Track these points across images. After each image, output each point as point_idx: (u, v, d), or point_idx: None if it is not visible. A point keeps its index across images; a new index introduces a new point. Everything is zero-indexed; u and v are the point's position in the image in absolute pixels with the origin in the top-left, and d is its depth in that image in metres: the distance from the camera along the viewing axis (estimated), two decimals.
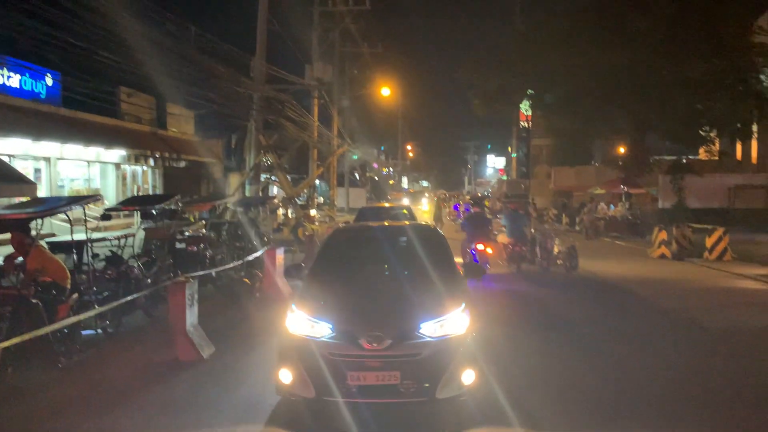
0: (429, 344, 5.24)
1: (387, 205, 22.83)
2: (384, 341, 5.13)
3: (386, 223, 8.97)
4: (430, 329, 5.32)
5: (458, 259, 12.73)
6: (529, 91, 33.06)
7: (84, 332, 7.83)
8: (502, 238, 15.60)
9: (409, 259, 6.76)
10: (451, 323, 5.41)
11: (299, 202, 26.59)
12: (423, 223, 10.57)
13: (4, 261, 7.68)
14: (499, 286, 13.18)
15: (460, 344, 5.32)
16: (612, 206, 28.39)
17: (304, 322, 5.42)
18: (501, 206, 32.77)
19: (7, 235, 7.56)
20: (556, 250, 15.18)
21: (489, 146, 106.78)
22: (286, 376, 5.25)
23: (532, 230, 16.00)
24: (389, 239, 7.38)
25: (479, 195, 54.81)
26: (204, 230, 13.66)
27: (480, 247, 14.20)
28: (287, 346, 5.41)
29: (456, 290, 6.02)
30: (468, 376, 5.24)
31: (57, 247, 8.83)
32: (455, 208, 36.33)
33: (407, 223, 9.85)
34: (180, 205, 12.03)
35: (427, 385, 5.11)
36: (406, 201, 27.08)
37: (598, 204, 28.25)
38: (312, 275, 6.55)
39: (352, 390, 5.09)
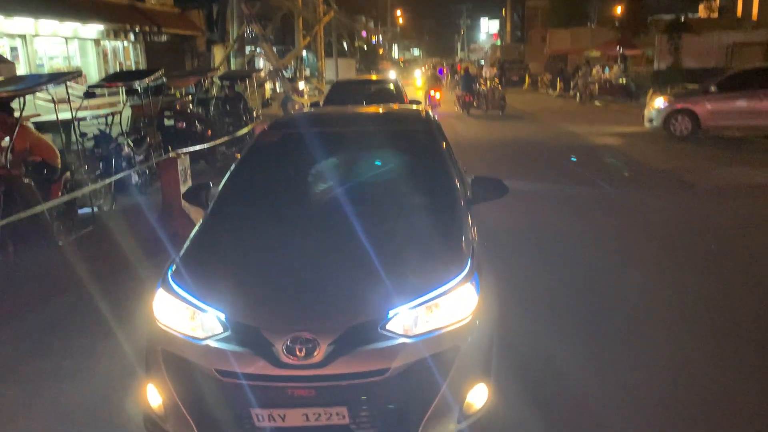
0: (404, 349, 2.79)
1: (372, 78, 19.06)
2: (318, 348, 2.74)
3: (352, 111, 6.17)
4: (405, 320, 2.87)
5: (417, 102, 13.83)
6: None
7: (80, 211, 7.93)
8: (457, 91, 23.88)
9: (380, 180, 4.18)
10: (446, 305, 2.95)
11: (286, 75, 25.93)
12: (411, 108, 6.53)
13: None
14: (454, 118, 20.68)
15: (462, 340, 2.89)
16: (607, 69, 27.84)
17: (176, 307, 3.02)
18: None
19: None
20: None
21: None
22: (154, 396, 3.00)
23: (479, 86, 23.56)
24: (352, 141, 4.56)
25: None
26: (191, 106, 13.43)
27: (432, 92, 23.42)
28: (153, 348, 3.03)
29: (455, 235, 3.46)
30: (476, 396, 2.93)
31: (43, 126, 8.70)
32: (440, 72, 37.52)
33: (391, 109, 6.79)
34: (165, 80, 11.74)
35: (401, 423, 2.81)
36: (393, 75, 23.32)
37: (593, 67, 27.68)
38: (213, 217, 3.88)
39: None
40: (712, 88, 14.39)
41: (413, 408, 2.80)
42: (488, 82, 25.01)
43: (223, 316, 2.89)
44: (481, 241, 3.81)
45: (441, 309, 2.93)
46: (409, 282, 3.01)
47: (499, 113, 22.10)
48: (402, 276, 3.03)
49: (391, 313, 2.86)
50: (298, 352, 2.73)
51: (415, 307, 2.89)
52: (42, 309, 5.44)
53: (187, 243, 3.59)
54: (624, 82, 25.70)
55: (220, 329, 2.88)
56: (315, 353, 2.73)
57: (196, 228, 3.78)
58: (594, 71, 27.16)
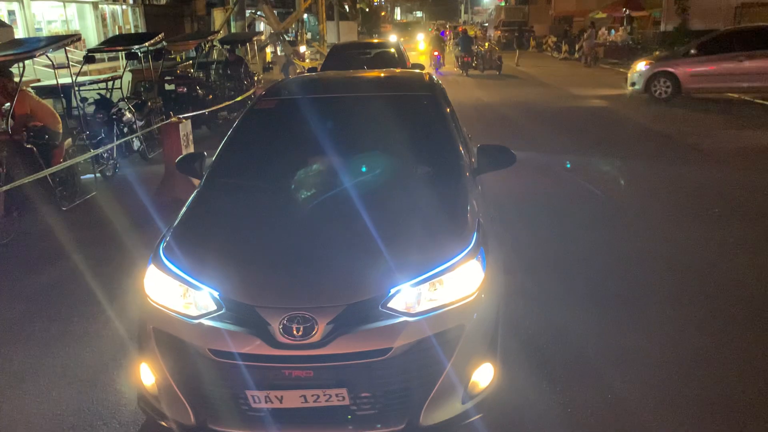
0: (406, 328, 2.68)
1: (372, 41, 18.35)
2: (317, 328, 2.65)
3: (352, 75, 5.76)
4: (408, 298, 2.77)
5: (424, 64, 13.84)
6: None
7: (82, 177, 7.94)
8: (456, 52, 26.14)
9: (381, 149, 3.92)
10: (450, 282, 2.84)
11: (287, 39, 25.62)
12: (413, 72, 5.78)
13: None
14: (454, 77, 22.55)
15: (467, 318, 2.79)
16: (612, 31, 27.44)
17: (168, 284, 2.92)
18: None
19: None
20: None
21: None
22: (147, 376, 2.92)
23: (477, 48, 25.33)
24: (352, 107, 4.35)
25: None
26: (191, 70, 13.31)
27: (436, 53, 25.98)
28: (145, 327, 2.94)
29: (460, 208, 3.33)
30: (482, 375, 2.86)
31: (43, 91, 8.65)
32: (442, 33, 36.76)
33: (392, 74, 6.19)
34: (164, 44, 11.61)
35: (404, 404, 2.72)
36: (394, 38, 22.08)
37: (598, 30, 27.27)
38: (206, 188, 3.76)
39: (259, 417, 2.74)
40: (692, 51, 14.60)
41: (416, 388, 2.69)
42: (486, 44, 26.08)
43: (216, 294, 2.77)
44: (489, 211, 3.75)
45: (445, 286, 2.81)
46: (412, 258, 2.87)
47: (496, 73, 23.84)
48: (404, 251, 2.90)
49: (392, 291, 2.73)
50: (295, 332, 2.62)
51: (417, 284, 2.77)
52: (47, 273, 5.48)
53: (180, 216, 3.45)
54: (632, 43, 25.33)
55: (213, 307, 2.76)
56: (313, 333, 2.62)
57: (189, 200, 3.62)
58: (599, 33, 26.78)
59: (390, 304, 2.72)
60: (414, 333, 2.67)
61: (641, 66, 15.17)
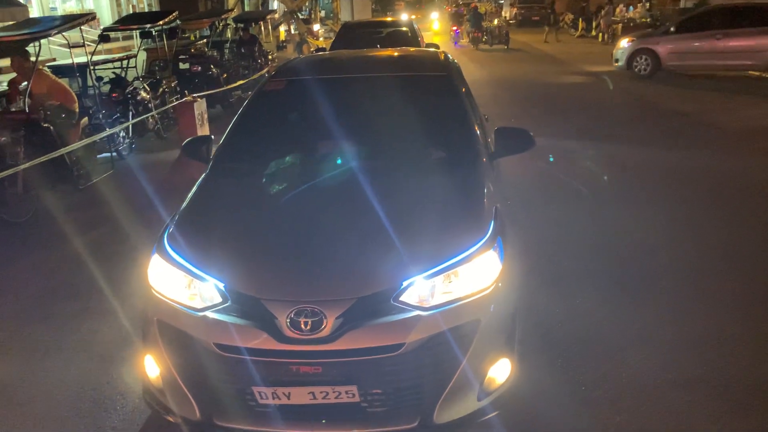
0: (419, 323, 2.56)
1: (385, 20, 17.44)
2: (325, 322, 2.53)
3: (365, 54, 5.58)
4: (421, 291, 2.63)
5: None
6: None
7: (98, 156, 7.99)
8: (467, 27, 28.12)
9: (393, 133, 3.80)
10: (465, 274, 2.70)
11: (301, 17, 25.47)
12: (428, 51, 5.62)
13: (8, 85, 7.62)
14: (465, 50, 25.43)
15: (483, 312, 2.66)
16: (631, 8, 26.99)
17: (172, 275, 2.81)
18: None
19: (7, 60, 7.41)
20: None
21: None
22: (152, 368, 2.83)
23: (487, 24, 27.40)
24: (364, 88, 4.18)
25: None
26: (206, 49, 13.30)
27: (454, 28, 29.18)
28: (149, 318, 2.84)
29: (476, 195, 3.17)
30: (499, 371, 2.73)
31: (59, 71, 8.68)
32: (461, 10, 37.20)
33: (406, 52, 5.91)
34: (179, 23, 11.60)
35: (417, 401, 2.62)
36: (406, 17, 21.02)
37: (616, 6, 26.86)
38: (213, 174, 3.64)
39: (266, 413, 2.64)
40: (672, 29, 15.02)
41: (430, 385, 2.57)
42: (495, 21, 28.37)
43: (222, 286, 2.65)
44: (505, 196, 3.68)
45: (460, 278, 2.66)
46: (425, 248, 2.72)
47: (504, 47, 25.47)
48: (417, 241, 2.75)
49: (405, 283, 2.59)
50: (303, 326, 2.50)
51: (431, 276, 2.63)
52: (65, 251, 5.54)
53: (185, 203, 3.32)
54: (651, 20, 24.88)
55: (219, 299, 2.64)
56: (322, 327, 2.50)
57: (195, 186, 3.48)
58: (617, 10, 26.37)
59: (402, 298, 2.59)
60: (427, 328, 2.54)
61: (624, 43, 15.62)
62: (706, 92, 12.87)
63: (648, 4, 26.61)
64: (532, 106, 12.02)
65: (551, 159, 7.77)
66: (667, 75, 15.06)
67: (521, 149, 3.74)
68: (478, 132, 3.75)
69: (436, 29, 31.25)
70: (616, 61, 15.65)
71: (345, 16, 34.38)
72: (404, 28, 12.45)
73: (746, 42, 13.75)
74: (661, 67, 14.87)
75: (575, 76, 16.21)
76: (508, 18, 38.91)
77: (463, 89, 4.16)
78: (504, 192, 3.70)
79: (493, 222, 2.92)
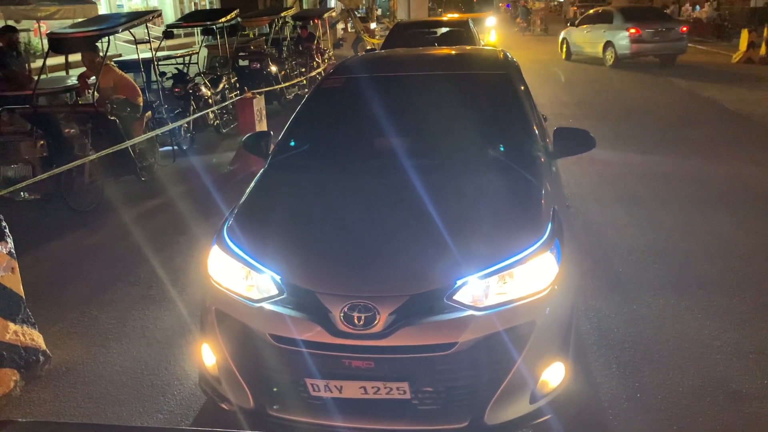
0: (473, 323, 2.55)
1: (439, 19, 16.65)
2: (378, 318, 2.54)
3: (423, 53, 5.52)
4: (475, 291, 2.62)
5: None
6: None
7: (160, 149, 8.23)
8: (518, 20, 35.57)
9: (451, 132, 3.76)
10: (521, 276, 2.67)
11: (358, 15, 25.62)
12: (486, 49, 5.68)
13: (78, 80, 7.92)
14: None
15: (538, 315, 2.63)
16: (697, 7, 26.08)
17: (231, 266, 2.87)
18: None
19: (77, 56, 7.71)
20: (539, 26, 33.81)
21: None
22: (208, 356, 2.89)
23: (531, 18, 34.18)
24: (422, 87, 4.15)
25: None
26: (265, 46, 13.52)
27: (519, 20, 34.98)
28: (207, 308, 2.92)
29: (534, 196, 3.12)
30: (553, 375, 2.68)
31: (125, 66, 8.95)
32: (507, 6, 44.23)
33: (464, 51, 5.93)
34: (239, 20, 11.83)
35: (468, 401, 2.61)
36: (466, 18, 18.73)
37: (682, 5, 26.00)
38: (271, 168, 3.69)
39: (319, 405, 2.66)
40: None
41: (482, 386, 2.56)
42: (537, 19, 34.66)
43: (278, 278, 2.69)
44: (566, 200, 3.61)
45: (515, 280, 2.63)
46: (480, 248, 2.71)
47: (544, 35, 31.51)
48: (472, 241, 2.75)
49: (458, 282, 2.58)
50: (356, 321, 2.52)
51: (485, 276, 2.61)
52: (128, 240, 5.74)
53: (244, 196, 3.37)
54: (719, 20, 23.98)
55: (275, 291, 2.69)
56: (374, 323, 2.51)
57: (254, 180, 3.54)
58: (683, 9, 25.53)
59: (456, 297, 2.58)
60: (481, 328, 2.53)
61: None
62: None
63: (716, 4, 25.64)
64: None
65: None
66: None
67: (581, 150, 3.67)
68: (537, 132, 3.70)
69: (491, 41, 21.95)
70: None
71: (402, 15, 34.37)
72: (461, 29, 11.84)
73: None
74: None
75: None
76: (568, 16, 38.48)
77: (522, 87, 4.10)
78: (562, 195, 3.59)
79: (550, 223, 2.87)
